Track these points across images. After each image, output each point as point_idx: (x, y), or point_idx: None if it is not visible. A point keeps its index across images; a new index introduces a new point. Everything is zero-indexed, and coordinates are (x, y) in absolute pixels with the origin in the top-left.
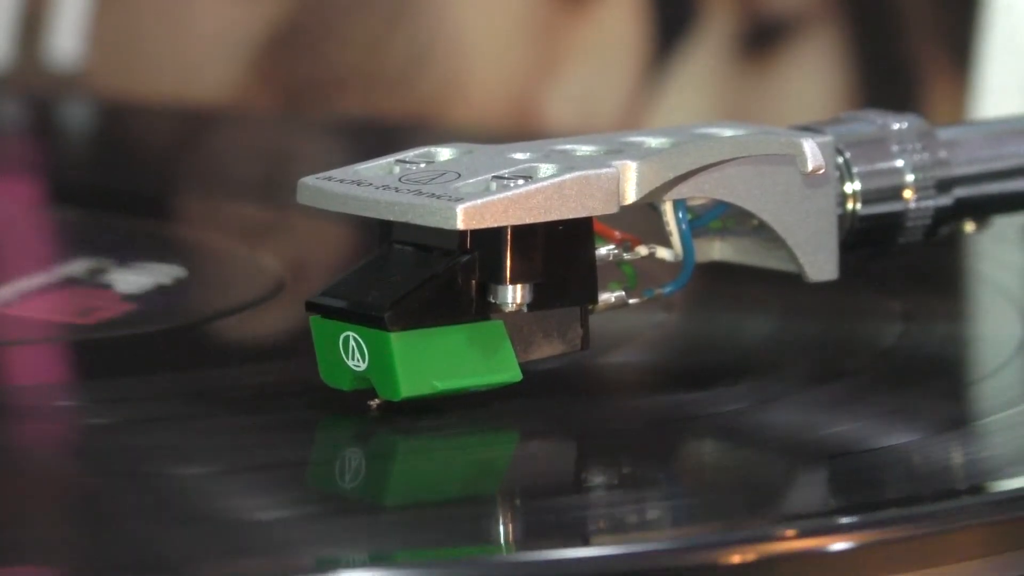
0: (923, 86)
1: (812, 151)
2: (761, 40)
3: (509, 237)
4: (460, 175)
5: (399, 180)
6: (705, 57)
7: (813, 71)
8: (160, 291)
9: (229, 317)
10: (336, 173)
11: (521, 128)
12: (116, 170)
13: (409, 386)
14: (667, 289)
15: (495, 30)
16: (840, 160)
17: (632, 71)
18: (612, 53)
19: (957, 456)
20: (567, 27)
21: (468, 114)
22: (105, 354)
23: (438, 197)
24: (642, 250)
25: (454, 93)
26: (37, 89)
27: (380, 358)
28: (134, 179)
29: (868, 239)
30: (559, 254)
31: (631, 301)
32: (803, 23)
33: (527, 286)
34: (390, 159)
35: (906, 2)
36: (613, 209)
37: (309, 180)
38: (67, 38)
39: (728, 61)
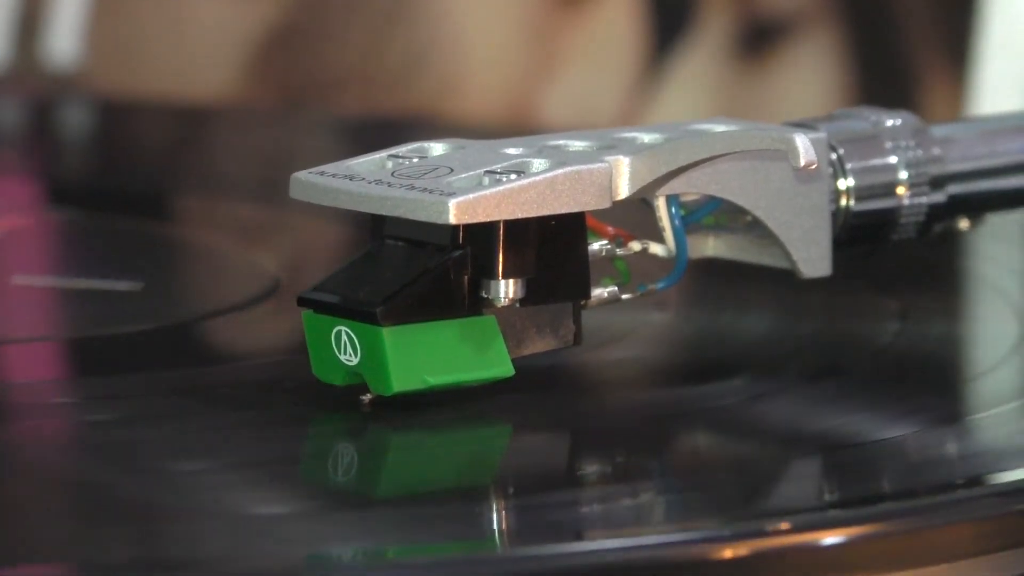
0: (920, 85)
1: (804, 146)
2: (758, 40)
3: (501, 232)
4: (453, 170)
5: (392, 175)
6: (702, 57)
7: (810, 70)
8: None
9: (225, 315)
10: (329, 168)
11: (519, 128)
12: (114, 170)
13: (401, 381)
14: (660, 285)
15: (493, 30)
16: (833, 156)
17: (629, 71)
18: (610, 53)
19: (951, 452)
20: (565, 27)
21: (466, 113)
22: (102, 352)
23: (430, 192)
24: (635, 246)
25: (452, 93)
26: (35, 89)
27: (372, 353)
28: (132, 178)
29: (861, 235)
30: (552, 249)
31: (624, 297)
32: (800, 23)
33: (519, 281)
34: (383, 154)
35: (903, 2)
36: (606, 204)
37: (302, 175)
38: (65, 38)
39: (725, 61)
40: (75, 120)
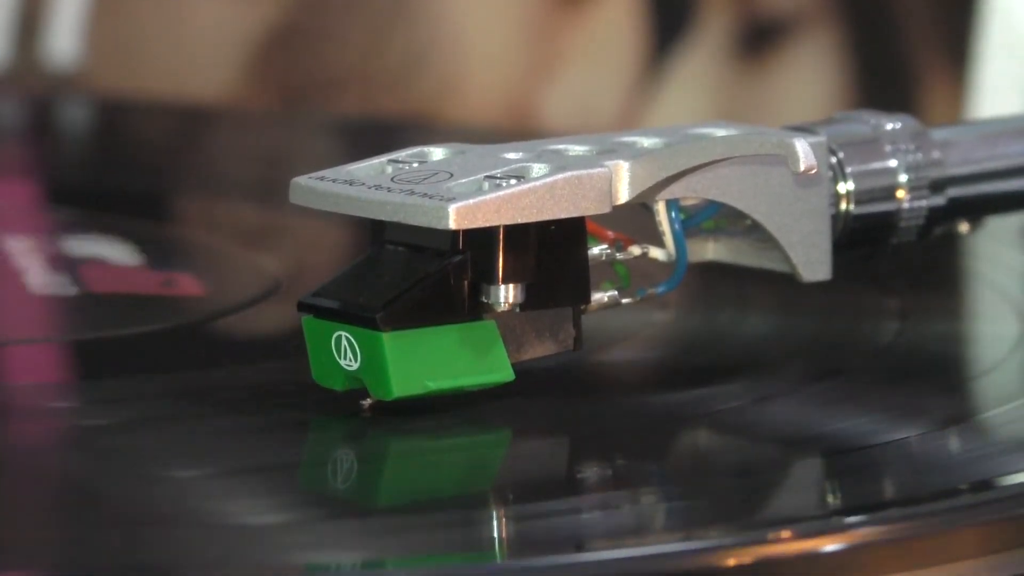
0: (920, 87)
1: (804, 151)
2: (758, 41)
3: (501, 237)
4: (452, 175)
5: (391, 180)
6: (702, 58)
7: (810, 72)
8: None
9: (224, 317)
10: (328, 173)
11: (519, 128)
12: (113, 170)
13: (401, 386)
14: (660, 289)
15: (493, 31)
16: (833, 160)
17: (629, 72)
18: (609, 54)
19: (953, 454)
20: (564, 28)
21: (466, 114)
22: (100, 354)
23: (430, 197)
24: (635, 250)
25: (452, 93)
26: (35, 89)
27: (372, 358)
28: (131, 179)
29: (861, 239)
30: (551, 254)
31: (624, 301)
32: (800, 23)
33: (519, 286)
34: (383, 159)
35: (903, 3)
36: (606, 209)
37: (301, 180)
38: (65, 38)
39: (725, 62)
40: (75, 120)
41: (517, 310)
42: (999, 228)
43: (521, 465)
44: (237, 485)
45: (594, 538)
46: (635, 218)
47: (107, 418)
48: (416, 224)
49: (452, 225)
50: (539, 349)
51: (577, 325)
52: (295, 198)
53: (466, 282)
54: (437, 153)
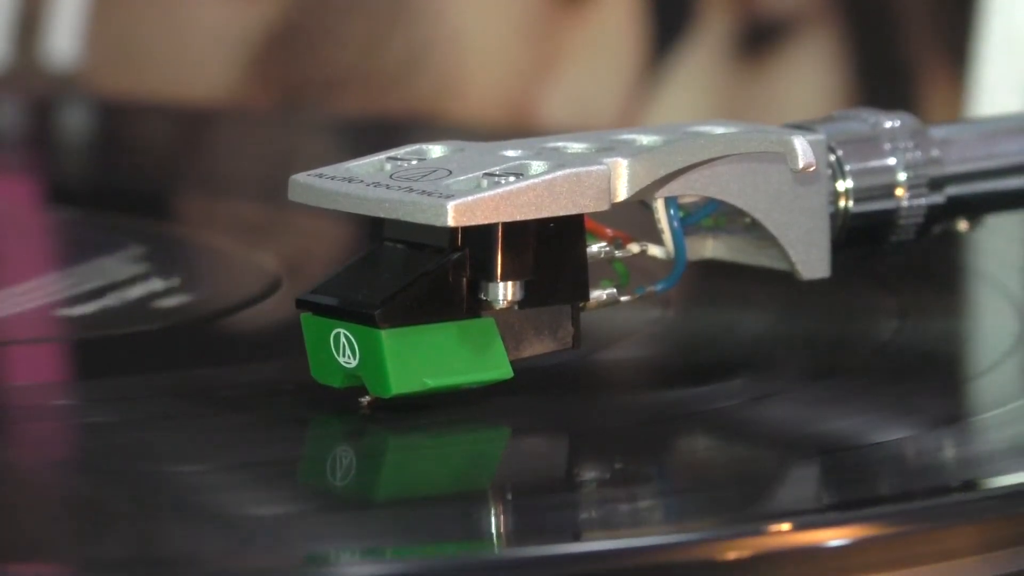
0: (920, 85)
1: (803, 149)
2: (758, 40)
3: (500, 234)
4: (451, 172)
5: (390, 177)
6: (702, 57)
7: (810, 71)
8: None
9: (225, 316)
10: (327, 170)
11: (518, 127)
12: (114, 170)
13: (400, 383)
14: (659, 287)
15: (493, 30)
16: (832, 158)
17: (629, 71)
18: (609, 53)
19: (952, 452)
20: (564, 27)
21: (466, 113)
22: (102, 353)
23: (429, 194)
24: (634, 248)
25: (452, 92)
26: (35, 89)
27: (371, 355)
28: (132, 178)
29: (860, 237)
30: (550, 251)
31: (623, 299)
32: (800, 23)
33: (518, 283)
34: (381, 156)
35: (903, 2)
36: (604, 206)
37: (300, 177)
38: (65, 38)
39: (725, 61)
40: (75, 120)
41: (516, 308)
42: (999, 224)
43: (519, 461)
44: (237, 481)
45: (591, 531)
46: (634, 216)
47: (107, 416)
48: (415, 221)
49: (450, 222)
50: (538, 347)
51: (576, 323)
52: (294, 195)
53: (465, 279)
54: (436, 150)
